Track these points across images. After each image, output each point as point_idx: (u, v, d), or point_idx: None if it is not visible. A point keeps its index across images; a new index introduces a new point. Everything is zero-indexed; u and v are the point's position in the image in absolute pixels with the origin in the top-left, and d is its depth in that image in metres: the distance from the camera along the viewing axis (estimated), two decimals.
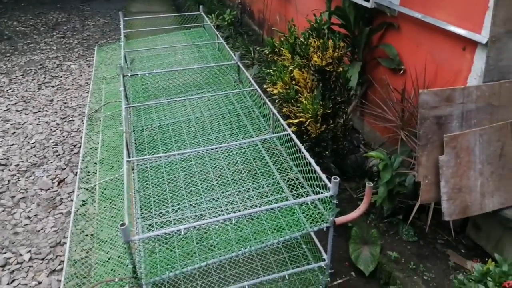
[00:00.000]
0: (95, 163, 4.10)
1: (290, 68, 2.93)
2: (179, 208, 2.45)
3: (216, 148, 2.65)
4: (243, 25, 7.58)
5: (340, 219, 2.23)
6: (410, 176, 3.04)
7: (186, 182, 2.65)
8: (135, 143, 3.12)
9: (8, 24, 8.28)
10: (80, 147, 4.33)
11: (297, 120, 2.87)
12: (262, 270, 2.57)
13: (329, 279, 2.40)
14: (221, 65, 3.70)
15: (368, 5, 3.47)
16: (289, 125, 2.95)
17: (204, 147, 2.85)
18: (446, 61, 3.00)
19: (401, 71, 3.44)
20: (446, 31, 2.92)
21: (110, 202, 3.02)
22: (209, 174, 2.70)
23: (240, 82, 3.74)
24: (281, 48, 3.11)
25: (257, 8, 6.99)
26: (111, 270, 2.47)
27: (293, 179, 2.59)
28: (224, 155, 2.83)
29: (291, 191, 2.51)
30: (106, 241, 2.79)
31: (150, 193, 2.58)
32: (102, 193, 3.11)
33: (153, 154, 2.92)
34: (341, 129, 3.14)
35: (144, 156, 2.85)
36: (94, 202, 3.59)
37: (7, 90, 5.62)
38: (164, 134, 3.14)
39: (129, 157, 3.09)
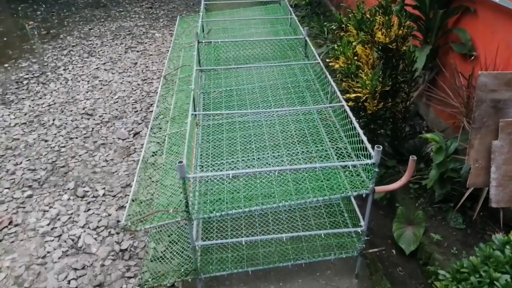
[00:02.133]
0: (167, 121, 4.50)
1: (354, 43, 3.01)
2: (232, 162, 2.69)
3: (273, 112, 2.84)
4: (321, 5, 7.59)
5: (380, 188, 2.33)
6: (467, 164, 3.01)
7: (242, 141, 2.87)
8: (202, 104, 3.41)
9: None
10: (156, 106, 4.76)
11: (354, 95, 2.96)
12: (303, 230, 2.74)
13: (364, 245, 2.51)
14: (289, 39, 3.85)
15: None
16: (347, 100, 3.04)
17: (257, 110, 3.06)
18: None
19: (472, 57, 3.35)
20: None
21: (176, 155, 3.36)
22: (264, 136, 2.90)
23: (306, 57, 3.88)
24: (348, 24, 3.18)
25: None
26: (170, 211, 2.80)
27: (341, 149, 2.71)
28: (280, 121, 3.01)
29: (337, 159, 2.64)
30: (169, 187, 3.12)
31: (209, 147, 2.85)
32: (170, 147, 3.45)
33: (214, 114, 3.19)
34: (401, 110, 3.17)
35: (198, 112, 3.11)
36: (163, 154, 3.99)
37: (98, 51, 6.24)
38: (228, 98, 3.39)
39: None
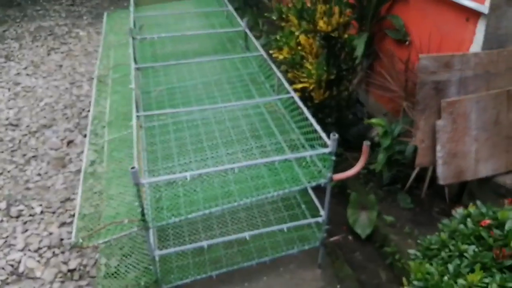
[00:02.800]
0: (103, 126, 4.22)
1: (296, 33, 2.99)
2: (184, 163, 2.56)
3: (221, 108, 2.74)
4: None
5: (338, 176, 2.33)
6: (410, 146, 3.13)
7: (192, 140, 2.75)
8: (143, 104, 3.21)
9: None
10: (88, 110, 4.44)
11: (301, 85, 2.95)
12: (263, 226, 2.69)
13: (325, 234, 2.52)
14: (228, 32, 3.75)
15: None
16: (294, 90, 3.02)
17: (204, 106, 2.95)
18: (450, 32, 3.04)
19: (407, 42, 3.48)
20: (452, 3, 2.95)
21: (118, 163, 3.14)
22: (214, 133, 2.80)
23: (247, 49, 3.81)
24: (288, 14, 3.15)
25: None
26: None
27: (294, 140, 2.69)
28: (229, 117, 2.92)
29: (292, 151, 2.61)
30: (114, 196, 2.90)
31: (157, 149, 2.70)
32: (111, 154, 3.21)
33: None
34: (345, 99, 3.22)
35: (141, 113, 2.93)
36: (102, 162, 3.72)
37: (18, 55, 5.71)
38: (171, 96, 3.23)
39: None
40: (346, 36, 2.93)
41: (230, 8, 4.23)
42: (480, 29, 2.73)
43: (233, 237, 2.35)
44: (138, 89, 3.45)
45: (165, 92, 3.31)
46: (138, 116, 2.56)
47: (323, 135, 2.29)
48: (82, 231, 3.05)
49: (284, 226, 2.40)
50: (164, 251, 2.32)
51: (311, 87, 2.93)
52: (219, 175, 2.25)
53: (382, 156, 3.06)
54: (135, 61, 3.32)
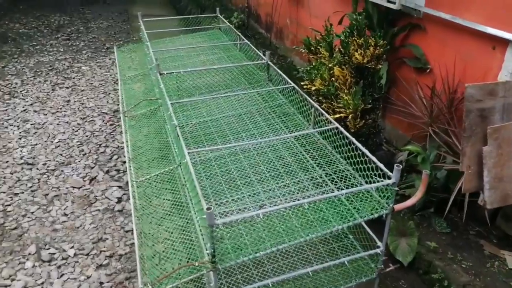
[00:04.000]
0: (123, 162, 4.14)
1: (329, 65, 3.05)
2: (238, 198, 2.53)
3: (267, 142, 2.74)
4: (249, 29, 7.70)
5: (399, 206, 2.35)
6: (442, 170, 3.20)
7: (239, 174, 2.72)
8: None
9: (10, 27, 8.21)
10: (105, 146, 4.37)
11: (338, 115, 2.98)
12: (314, 259, 2.66)
13: (383, 266, 2.51)
14: (252, 64, 3.79)
15: (394, 6, 3.62)
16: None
17: (247, 140, 2.94)
18: (475, 60, 3.16)
19: (428, 70, 3.60)
20: (475, 31, 3.08)
21: (146, 200, 3.08)
22: (259, 166, 2.78)
23: (269, 81, 3.85)
24: (318, 47, 3.23)
25: (265, 11, 7.12)
26: (157, 264, 2.54)
27: (343, 171, 2.70)
28: (271, 149, 2.92)
29: (344, 182, 2.61)
30: (149, 236, 2.83)
31: (205, 185, 2.65)
32: (143, 191, 3.15)
33: (198, 149, 2.99)
34: (374, 126, 3.28)
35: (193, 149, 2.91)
36: (129, 199, 3.64)
37: (21, 91, 5.59)
38: (205, 130, 3.21)
39: (175, 152, 3.16)
40: (380, 67, 3.01)
41: (246, 41, 4.30)
42: (509, 56, 2.85)
43: (299, 272, 2.31)
44: (169, 124, 3.42)
45: (198, 126, 3.29)
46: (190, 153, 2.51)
47: (381, 165, 2.31)
48: (120, 273, 2.95)
49: (345, 259, 2.38)
50: None
51: (349, 117, 2.97)
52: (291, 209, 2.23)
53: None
54: (167, 97, 3.30)
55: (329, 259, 2.65)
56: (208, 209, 1.87)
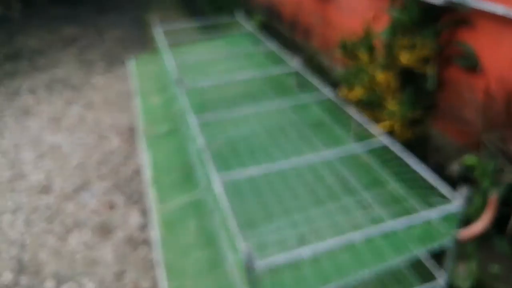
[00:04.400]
0: (143, 185, 3.86)
1: (370, 70, 2.71)
2: (275, 229, 2.20)
3: (305, 161, 2.41)
4: (271, 29, 7.37)
5: (465, 234, 2.00)
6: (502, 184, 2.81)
7: (274, 200, 2.41)
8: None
9: (24, 42, 8.08)
10: (125, 166, 4.11)
11: (384, 126, 2.64)
12: None
13: None
14: (281, 73, 3.47)
15: (437, 1, 3.25)
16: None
17: (283, 161, 2.62)
18: None
19: (479, 71, 3.21)
20: None
21: (170, 228, 2.79)
22: (297, 190, 2.46)
23: (300, 91, 3.53)
24: (355, 49, 2.89)
25: (288, 10, 6.78)
26: None
27: (392, 192, 2.35)
28: (309, 169, 2.59)
29: (395, 204, 2.27)
30: (176, 269, 2.53)
31: (234, 214, 2.34)
32: (168, 219, 2.86)
33: (225, 170, 2.68)
34: (424, 136, 2.92)
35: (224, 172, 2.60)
36: (157, 227, 3.35)
37: (36, 109, 5.40)
38: (232, 149, 2.91)
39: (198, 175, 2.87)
40: (429, 70, 2.65)
41: (274, 48, 3.98)
42: None
43: None
44: (193, 143, 3.13)
45: (223, 145, 2.99)
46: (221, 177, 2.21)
47: (445, 191, 1.96)
48: None
49: None
50: None
51: (396, 128, 2.62)
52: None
53: (479, 199, 2.72)
54: (191, 114, 3.01)
55: None
56: (246, 248, 1.55)
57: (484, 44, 3.16)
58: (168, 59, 3.82)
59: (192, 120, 2.69)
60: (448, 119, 3.32)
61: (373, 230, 1.78)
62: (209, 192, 2.59)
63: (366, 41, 2.75)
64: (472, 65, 3.21)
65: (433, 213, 1.89)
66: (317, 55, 5.93)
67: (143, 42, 7.82)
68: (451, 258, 2.03)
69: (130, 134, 4.67)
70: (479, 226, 1.99)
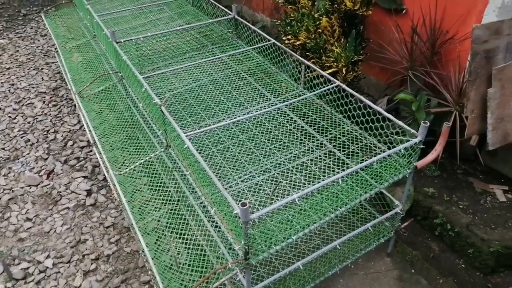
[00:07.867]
0: (81, 148, 3.64)
1: (315, 15, 2.76)
2: (249, 178, 2.26)
3: (262, 114, 2.45)
4: None
5: (421, 163, 2.23)
6: (430, 117, 3.13)
7: (239, 150, 2.44)
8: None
9: None
10: (54, 132, 3.81)
11: (330, 70, 2.75)
12: (336, 238, 2.50)
13: (400, 223, 2.43)
14: (218, 21, 3.36)
15: None
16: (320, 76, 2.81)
17: (237, 111, 2.63)
18: None
19: (403, 12, 3.42)
20: None
21: (129, 188, 2.70)
22: (259, 138, 2.51)
23: (238, 38, 3.48)
24: None
25: None
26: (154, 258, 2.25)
27: (352, 132, 2.51)
28: (267, 118, 2.64)
29: (356, 144, 2.43)
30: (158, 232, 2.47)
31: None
32: (132, 182, 2.74)
33: (182, 126, 2.62)
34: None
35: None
36: (100, 190, 3.22)
37: None
38: (183, 103, 2.83)
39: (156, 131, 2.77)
40: (370, 12, 2.77)
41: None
42: None
43: (324, 249, 2.14)
44: (139, 101, 2.98)
45: (173, 99, 2.89)
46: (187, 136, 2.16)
47: (402, 123, 2.15)
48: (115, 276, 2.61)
49: (369, 225, 2.26)
50: (266, 281, 2.04)
51: (341, 70, 2.75)
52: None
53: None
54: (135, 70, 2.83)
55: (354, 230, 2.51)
56: (243, 204, 1.59)
57: None
58: (88, 13, 3.49)
59: (140, 77, 2.54)
60: (376, 61, 3.54)
61: (351, 169, 1.89)
62: (171, 149, 2.54)
63: None
64: (397, 6, 3.39)
65: (400, 148, 2.05)
66: (256, 17, 5.78)
67: None
68: (409, 186, 2.26)
69: (52, 95, 4.29)
70: (434, 154, 2.23)
